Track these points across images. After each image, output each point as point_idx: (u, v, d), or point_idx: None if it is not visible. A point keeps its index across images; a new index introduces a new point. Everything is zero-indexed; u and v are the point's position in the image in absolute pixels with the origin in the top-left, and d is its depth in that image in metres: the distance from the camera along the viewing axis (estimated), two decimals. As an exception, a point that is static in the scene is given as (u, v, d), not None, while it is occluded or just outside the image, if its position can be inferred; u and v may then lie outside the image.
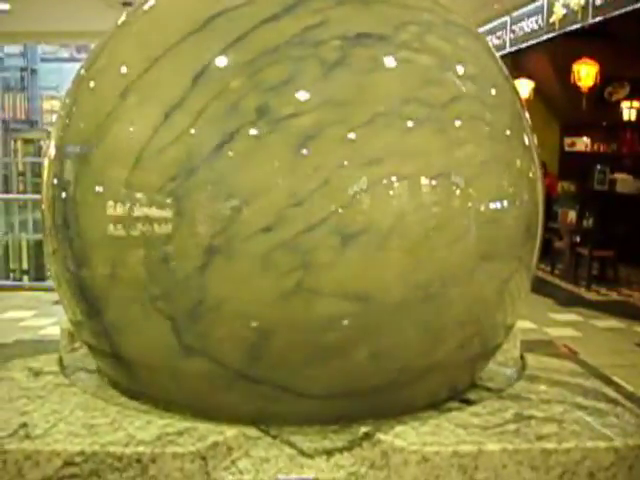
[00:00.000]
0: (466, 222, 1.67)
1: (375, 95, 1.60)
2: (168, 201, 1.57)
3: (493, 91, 1.84)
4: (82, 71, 1.91)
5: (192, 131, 1.56)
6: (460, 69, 1.77)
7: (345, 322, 1.59)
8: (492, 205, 1.73)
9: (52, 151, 1.88)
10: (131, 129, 1.67)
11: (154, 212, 1.58)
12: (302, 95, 1.57)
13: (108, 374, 1.96)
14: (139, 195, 1.61)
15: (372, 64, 1.63)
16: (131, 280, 1.66)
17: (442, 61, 1.74)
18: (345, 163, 1.54)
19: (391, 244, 1.57)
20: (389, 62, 1.67)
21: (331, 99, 1.57)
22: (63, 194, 1.78)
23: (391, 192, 1.57)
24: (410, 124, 1.61)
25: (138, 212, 1.60)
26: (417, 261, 1.61)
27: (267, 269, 1.53)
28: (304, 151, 1.53)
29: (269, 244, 1.52)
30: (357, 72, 1.60)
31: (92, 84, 1.83)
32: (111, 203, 1.64)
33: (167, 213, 1.57)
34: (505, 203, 1.77)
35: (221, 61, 1.61)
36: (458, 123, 1.68)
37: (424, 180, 1.60)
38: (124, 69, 1.73)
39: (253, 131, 1.54)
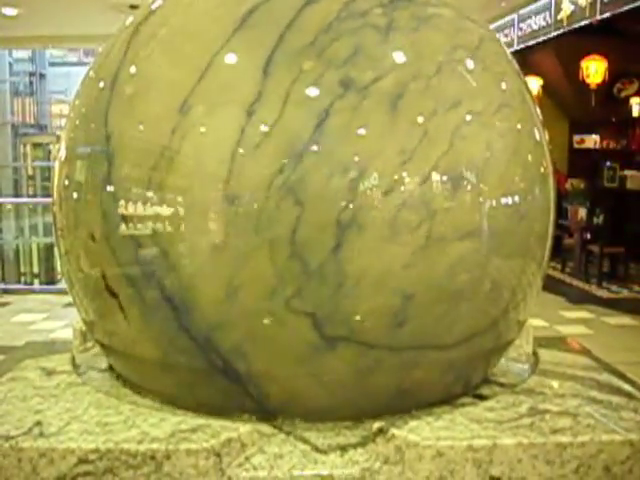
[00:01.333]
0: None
1: (431, 48, 1.72)
2: (282, 193, 1.52)
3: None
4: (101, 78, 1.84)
5: (284, 120, 1.54)
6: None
7: (469, 262, 1.66)
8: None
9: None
10: (211, 139, 1.58)
11: (271, 209, 1.53)
12: (376, 60, 1.63)
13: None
14: (247, 197, 1.53)
15: (415, 22, 1.73)
16: (257, 289, 1.57)
17: (461, 13, 1.89)
18: (437, 110, 1.63)
19: (486, 184, 1.68)
20: (427, 18, 1.77)
21: (400, 58, 1.67)
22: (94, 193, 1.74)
23: (476, 129, 1.69)
24: (464, 68, 1.75)
25: (253, 214, 1.54)
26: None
27: (398, 230, 1.56)
28: (398, 109, 1.59)
29: (394, 205, 1.56)
30: (407, 31, 1.70)
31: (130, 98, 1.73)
32: (213, 213, 1.57)
33: (286, 205, 1.52)
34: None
35: (283, 49, 1.59)
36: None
37: (488, 117, 1.73)
38: (172, 80, 1.66)
39: (345, 103, 1.56)
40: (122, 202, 1.64)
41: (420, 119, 1.61)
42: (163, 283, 1.62)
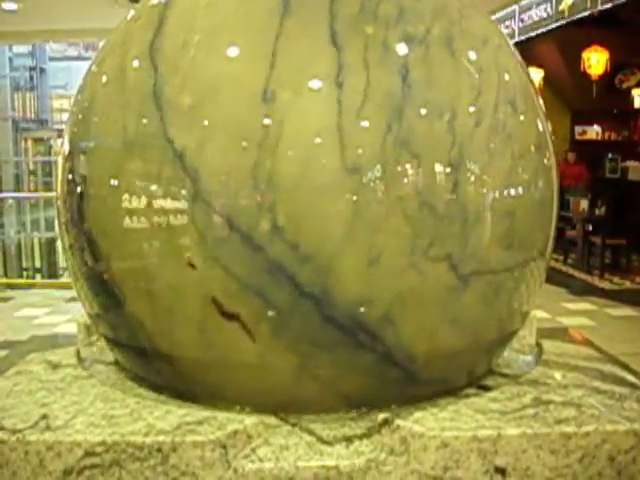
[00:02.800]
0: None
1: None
2: (397, 149, 1.57)
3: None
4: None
5: (373, 82, 1.58)
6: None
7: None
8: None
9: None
10: (311, 117, 1.57)
11: (392, 167, 1.57)
12: (419, 15, 1.73)
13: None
14: (366, 162, 1.55)
15: None
16: (398, 249, 1.59)
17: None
18: (478, 47, 1.80)
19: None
20: None
21: (435, 10, 1.77)
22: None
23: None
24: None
25: (377, 176, 1.56)
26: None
27: (492, 159, 1.71)
28: (454, 52, 1.72)
29: (485, 135, 1.69)
30: None
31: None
32: (338, 188, 1.55)
33: (404, 159, 1.58)
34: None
35: (340, 21, 1.63)
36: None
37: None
38: (238, 74, 1.62)
39: (417, 55, 1.66)
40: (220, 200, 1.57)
41: (472, 56, 1.75)
42: (298, 280, 1.56)
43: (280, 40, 1.60)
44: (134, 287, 1.71)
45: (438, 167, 1.61)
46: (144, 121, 1.65)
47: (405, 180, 1.58)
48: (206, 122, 1.59)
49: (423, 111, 1.62)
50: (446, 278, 1.64)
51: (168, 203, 1.60)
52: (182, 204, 1.59)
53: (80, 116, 1.88)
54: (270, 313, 1.59)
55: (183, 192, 1.59)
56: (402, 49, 1.65)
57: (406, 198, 1.58)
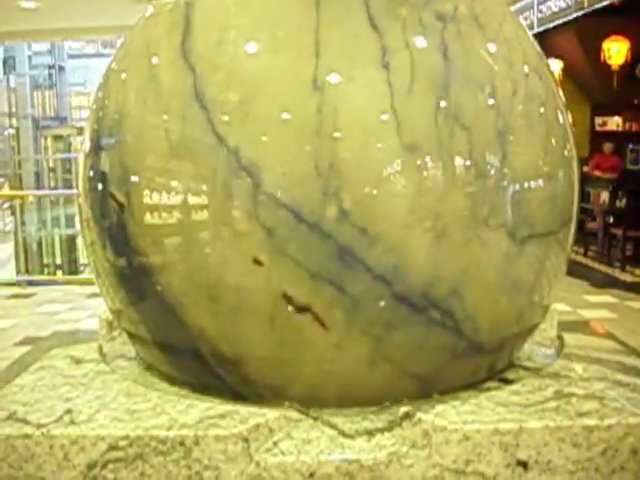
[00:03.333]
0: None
1: None
2: (449, 122, 1.61)
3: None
4: None
5: (416, 61, 1.63)
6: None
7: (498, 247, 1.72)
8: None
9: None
10: (364, 101, 1.59)
11: (447, 140, 1.61)
12: None
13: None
14: (422, 138, 1.59)
15: None
16: (462, 220, 1.63)
17: None
18: (500, 23, 1.87)
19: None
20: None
21: None
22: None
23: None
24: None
25: (435, 150, 1.60)
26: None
27: (531, 124, 1.78)
28: (482, 26, 1.78)
29: (521, 103, 1.77)
30: None
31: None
32: (400, 166, 1.58)
33: (456, 130, 1.61)
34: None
35: (373, 6, 1.66)
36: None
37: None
38: (284, 64, 1.63)
39: (452, 32, 1.71)
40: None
41: (497, 29, 1.81)
42: (369, 262, 1.57)
43: (321, 29, 1.62)
44: (191, 292, 1.68)
45: (487, 137, 1.66)
46: (189, 122, 1.62)
47: (460, 153, 1.62)
48: (259, 116, 1.58)
49: (466, 84, 1.67)
50: (504, 245, 1.68)
51: (226, 201, 1.58)
52: (242, 201, 1.57)
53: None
54: (343, 299, 1.59)
55: (242, 188, 1.56)
56: (437, 27, 1.69)
57: (463, 170, 1.62)
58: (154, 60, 1.77)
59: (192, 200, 1.61)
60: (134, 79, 1.81)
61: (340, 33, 1.64)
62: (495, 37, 1.80)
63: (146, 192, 1.67)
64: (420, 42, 1.67)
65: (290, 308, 1.59)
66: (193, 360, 1.76)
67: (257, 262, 1.57)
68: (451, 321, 1.66)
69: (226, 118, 1.60)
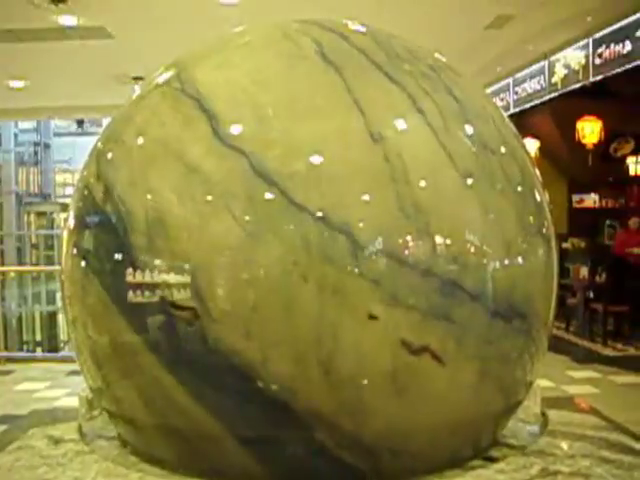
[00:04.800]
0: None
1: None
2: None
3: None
4: None
5: (438, 105, 1.79)
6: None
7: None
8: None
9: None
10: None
11: None
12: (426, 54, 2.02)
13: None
14: None
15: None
16: None
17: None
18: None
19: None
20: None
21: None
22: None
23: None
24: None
25: None
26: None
27: None
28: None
29: None
30: None
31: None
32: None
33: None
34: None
35: (385, 67, 1.80)
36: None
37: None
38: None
39: (449, 77, 1.95)
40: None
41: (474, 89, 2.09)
42: (466, 287, 1.64)
43: (352, 89, 1.71)
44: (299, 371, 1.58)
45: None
46: (261, 202, 1.59)
47: (496, 171, 1.78)
48: (332, 177, 1.60)
49: (476, 117, 1.86)
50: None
51: (325, 265, 1.54)
52: (343, 261, 1.54)
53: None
54: (453, 329, 1.62)
55: (340, 249, 1.54)
56: (436, 77, 1.87)
57: (504, 186, 1.79)
58: (178, 154, 1.70)
59: (284, 273, 1.55)
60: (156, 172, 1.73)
61: (370, 90, 1.74)
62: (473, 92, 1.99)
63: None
64: (432, 89, 1.81)
65: (410, 353, 1.58)
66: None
67: (372, 317, 1.55)
68: (527, 325, 1.81)
69: (300, 187, 1.58)
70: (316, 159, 1.62)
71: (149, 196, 1.69)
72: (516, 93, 10.66)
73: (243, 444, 1.65)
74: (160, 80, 1.93)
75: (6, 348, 10.44)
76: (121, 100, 2.09)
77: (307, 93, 1.74)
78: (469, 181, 1.71)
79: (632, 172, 12.44)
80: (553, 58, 9.33)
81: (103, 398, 1.94)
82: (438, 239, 1.61)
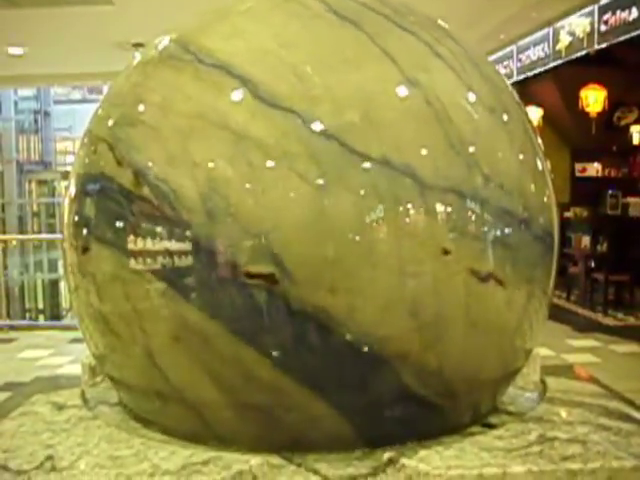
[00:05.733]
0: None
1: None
2: None
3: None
4: None
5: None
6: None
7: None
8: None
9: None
10: None
11: None
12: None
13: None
14: None
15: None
16: None
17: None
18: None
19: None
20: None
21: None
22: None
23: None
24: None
25: None
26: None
27: None
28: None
29: None
30: None
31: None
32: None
33: None
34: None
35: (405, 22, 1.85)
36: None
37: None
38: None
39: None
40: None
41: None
42: (517, 214, 1.76)
43: (376, 41, 1.75)
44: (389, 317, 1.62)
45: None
46: (326, 151, 1.60)
47: (510, 109, 1.91)
48: (384, 122, 1.65)
49: (481, 61, 1.96)
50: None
51: (397, 209, 1.59)
52: (412, 203, 1.59)
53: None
54: (508, 254, 1.75)
55: (407, 188, 1.59)
56: (436, 26, 1.95)
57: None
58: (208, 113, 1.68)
59: (359, 222, 1.57)
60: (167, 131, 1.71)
61: (391, 40, 1.77)
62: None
63: None
64: (439, 35, 1.87)
65: (478, 281, 1.66)
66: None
67: (446, 251, 1.61)
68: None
69: (358, 137, 1.60)
70: (366, 108, 1.64)
71: (198, 170, 1.62)
72: (519, 60, 10.56)
73: (334, 406, 1.66)
74: (164, 55, 1.87)
75: (9, 316, 10.52)
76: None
77: (335, 48, 1.75)
78: (495, 116, 1.82)
79: (636, 141, 12.40)
80: (557, 25, 9.22)
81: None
82: (486, 171, 1.69)
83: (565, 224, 10.16)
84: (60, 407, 2.01)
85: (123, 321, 1.75)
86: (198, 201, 1.60)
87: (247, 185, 1.58)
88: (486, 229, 1.68)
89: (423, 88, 1.71)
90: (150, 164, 1.68)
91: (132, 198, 1.69)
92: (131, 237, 1.69)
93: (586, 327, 8.48)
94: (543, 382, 2.18)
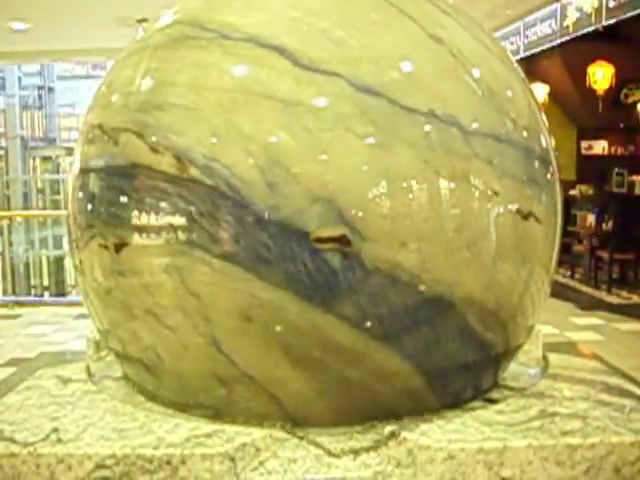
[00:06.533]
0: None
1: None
2: None
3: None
4: None
5: None
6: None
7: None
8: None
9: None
10: None
11: None
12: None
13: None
14: None
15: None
16: None
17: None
18: None
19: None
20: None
21: None
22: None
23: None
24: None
25: None
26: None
27: None
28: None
29: None
30: None
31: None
32: None
33: None
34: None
35: None
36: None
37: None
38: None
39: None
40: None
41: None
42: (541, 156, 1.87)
43: (394, 4, 1.81)
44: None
45: None
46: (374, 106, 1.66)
47: None
48: (423, 77, 1.72)
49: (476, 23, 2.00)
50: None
51: (451, 158, 1.65)
52: (462, 150, 1.67)
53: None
54: (539, 190, 1.85)
55: (455, 141, 1.66)
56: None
57: None
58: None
59: (419, 174, 1.63)
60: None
61: (406, 3, 1.81)
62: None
63: None
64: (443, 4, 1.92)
65: (522, 219, 1.76)
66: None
67: (495, 192, 1.70)
68: None
69: (405, 92, 1.65)
70: (405, 65, 1.72)
71: (252, 143, 1.60)
72: (526, 37, 10.47)
73: (410, 360, 1.69)
74: (178, 37, 1.81)
75: (14, 292, 10.58)
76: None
77: (359, 12, 1.77)
78: (506, 66, 1.91)
79: (642, 119, 12.30)
80: (565, 1, 9.13)
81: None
82: (512, 115, 1.79)
83: (570, 202, 10.14)
84: (65, 381, 2.03)
85: (181, 313, 1.67)
86: (257, 174, 1.58)
87: (307, 151, 1.59)
88: (521, 169, 1.77)
89: (445, 43, 1.76)
90: (195, 145, 1.62)
91: (179, 182, 1.62)
92: (183, 221, 1.62)
93: (590, 305, 8.49)
94: (545, 359, 2.19)
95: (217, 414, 1.74)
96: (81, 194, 1.87)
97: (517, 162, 1.76)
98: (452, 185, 1.64)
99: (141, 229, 1.69)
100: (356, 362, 1.65)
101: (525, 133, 1.82)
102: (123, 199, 1.72)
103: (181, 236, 1.63)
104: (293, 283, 1.58)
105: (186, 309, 1.66)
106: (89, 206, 1.82)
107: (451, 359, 1.75)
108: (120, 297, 1.79)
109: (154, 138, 1.67)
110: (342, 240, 1.56)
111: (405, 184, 1.60)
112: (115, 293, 1.80)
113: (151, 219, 1.67)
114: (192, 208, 1.61)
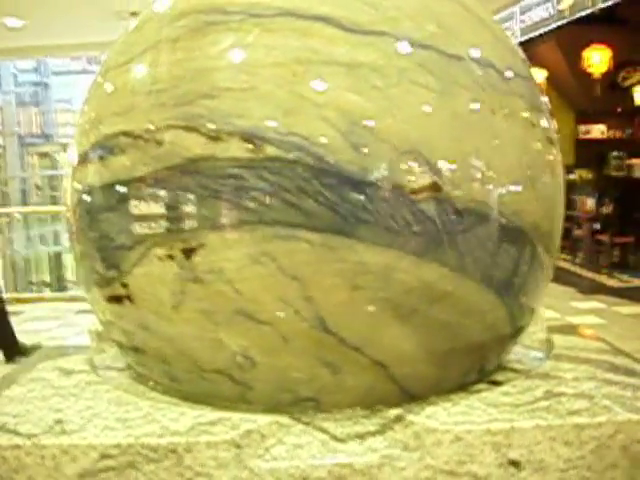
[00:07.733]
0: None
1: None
2: None
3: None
4: None
5: None
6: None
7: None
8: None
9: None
10: None
11: None
12: None
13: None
14: None
15: None
16: None
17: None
18: None
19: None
20: None
21: None
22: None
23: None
24: None
25: None
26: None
27: None
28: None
29: None
30: None
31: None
32: None
33: None
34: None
35: None
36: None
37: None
38: None
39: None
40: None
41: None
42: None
43: None
44: None
45: None
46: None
47: None
48: (455, 28, 1.80)
49: None
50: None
51: (500, 97, 1.77)
52: (506, 89, 1.81)
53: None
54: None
55: (497, 81, 1.79)
56: None
57: None
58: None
59: (482, 112, 1.75)
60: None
61: None
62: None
63: None
64: None
65: (551, 146, 1.92)
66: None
67: (533, 125, 1.87)
68: None
69: (447, 42, 1.74)
70: (436, 19, 1.77)
71: (325, 109, 1.56)
72: (522, 21, 10.42)
73: (495, 293, 1.76)
74: (199, 24, 1.71)
75: (15, 289, 10.57)
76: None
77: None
78: (501, 20, 2.22)
79: (638, 102, 12.26)
80: (561, -16, 9.09)
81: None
82: (522, 56, 1.99)
83: (569, 186, 10.09)
84: (68, 373, 2.02)
85: (279, 302, 1.60)
86: (340, 139, 1.55)
87: (382, 107, 1.60)
88: (539, 101, 1.93)
89: (458, 0, 1.88)
90: (264, 123, 1.56)
91: (254, 164, 1.55)
92: (269, 202, 1.55)
93: (591, 289, 8.49)
94: (549, 340, 2.18)
95: (317, 405, 1.71)
96: (114, 214, 1.74)
97: (535, 95, 1.91)
98: (505, 121, 1.75)
99: (215, 225, 1.59)
100: (459, 307, 1.69)
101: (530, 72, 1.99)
102: (184, 199, 1.62)
103: (268, 219, 1.57)
104: (398, 240, 1.58)
105: (285, 296, 1.59)
106: (132, 222, 1.70)
107: (525, 288, 1.86)
108: (195, 306, 1.65)
109: (212, 126, 1.59)
110: (434, 187, 1.59)
111: (473, 125, 1.69)
112: (188, 304, 1.66)
113: (225, 210, 1.59)
114: (276, 187, 1.55)
